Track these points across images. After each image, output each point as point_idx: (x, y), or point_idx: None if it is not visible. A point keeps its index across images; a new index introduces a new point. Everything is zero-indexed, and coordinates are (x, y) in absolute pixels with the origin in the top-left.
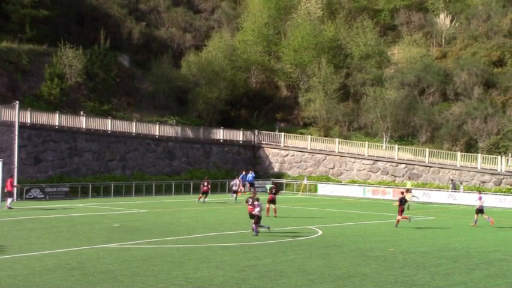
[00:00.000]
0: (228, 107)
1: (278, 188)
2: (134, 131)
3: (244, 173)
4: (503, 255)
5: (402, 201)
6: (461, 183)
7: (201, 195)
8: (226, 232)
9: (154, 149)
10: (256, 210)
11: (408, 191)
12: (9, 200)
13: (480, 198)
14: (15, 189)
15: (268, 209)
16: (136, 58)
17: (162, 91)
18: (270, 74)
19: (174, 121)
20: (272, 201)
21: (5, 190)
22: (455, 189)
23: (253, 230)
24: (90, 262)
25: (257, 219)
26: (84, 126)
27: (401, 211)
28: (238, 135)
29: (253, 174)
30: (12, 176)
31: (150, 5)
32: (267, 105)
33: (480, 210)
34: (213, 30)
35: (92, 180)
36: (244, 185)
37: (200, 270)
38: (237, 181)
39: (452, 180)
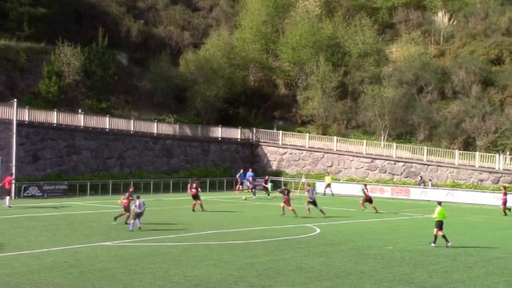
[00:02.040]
0: (226, 105)
1: (289, 189)
2: (132, 129)
3: (242, 171)
4: (501, 253)
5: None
6: (430, 180)
7: (194, 202)
8: (224, 230)
9: (153, 147)
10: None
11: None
12: (7, 198)
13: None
14: (12, 187)
15: (283, 208)
16: (134, 56)
17: (160, 89)
18: (268, 72)
19: (172, 119)
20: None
21: (5, 188)
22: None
23: None
24: (87, 260)
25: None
26: (82, 124)
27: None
28: (236, 133)
29: (252, 173)
30: (11, 174)
31: (148, 2)
32: (265, 103)
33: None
34: (211, 28)
35: (90, 178)
36: (242, 183)
37: (198, 268)
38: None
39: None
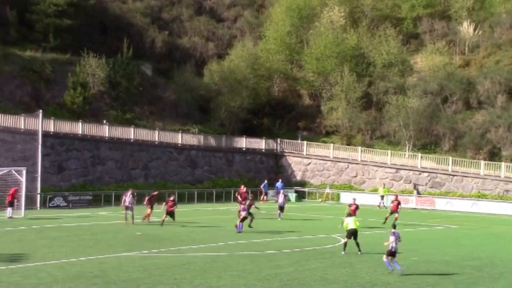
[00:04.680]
0: (251, 115)
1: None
2: (157, 140)
3: (266, 181)
4: None
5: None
6: (417, 186)
7: (164, 216)
8: (248, 240)
9: (177, 158)
10: None
11: (382, 197)
12: (9, 209)
13: None
14: (16, 199)
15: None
16: (159, 67)
17: (185, 100)
18: (293, 82)
19: (197, 130)
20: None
21: (6, 200)
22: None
23: None
24: (112, 270)
25: None
26: (107, 135)
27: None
28: (260, 144)
29: (282, 184)
30: (17, 186)
31: (173, 14)
32: (289, 114)
33: None
34: (236, 39)
35: (115, 188)
36: (266, 194)
37: (223, 279)
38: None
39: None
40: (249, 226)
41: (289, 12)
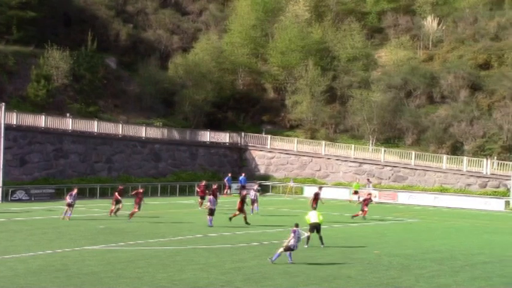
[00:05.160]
0: (215, 109)
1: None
2: (120, 133)
3: (230, 175)
4: (487, 257)
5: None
6: (371, 182)
7: (113, 207)
8: (211, 234)
9: (141, 151)
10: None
11: (356, 192)
12: None
13: None
14: None
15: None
16: (123, 60)
17: (149, 93)
18: (257, 76)
19: (161, 123)
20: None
21: None
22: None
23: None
24: (74, 264)
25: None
26: (70, 128)
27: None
28: (224, 138)
29: (245, 178)
30: None
31: (138, 6)
32: (253, 108)
33: None
34: (201, 32)
35: (78, 182)
36: (230, 187)
37: (185, 273)
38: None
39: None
40: (246, 223)
41: (254, 6)
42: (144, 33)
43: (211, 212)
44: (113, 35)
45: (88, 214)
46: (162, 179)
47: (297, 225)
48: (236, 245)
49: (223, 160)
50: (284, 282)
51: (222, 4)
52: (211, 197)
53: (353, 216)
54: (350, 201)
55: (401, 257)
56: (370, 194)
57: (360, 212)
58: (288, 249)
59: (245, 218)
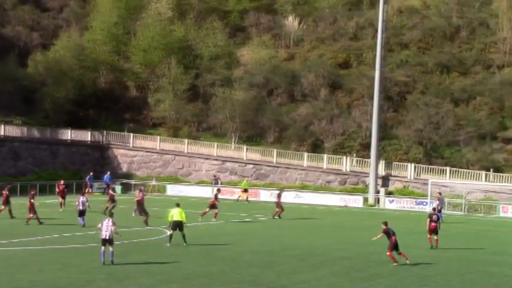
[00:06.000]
0: (76, 107)
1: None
2: None
3: (91, 174)
4: (346, 253)
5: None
6: (219, 179)
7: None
8: (73, 233)
9: None
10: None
11: (246, 190)
12: None
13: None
14: None
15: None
16: None
17: (7, 90)
18: (119, 74)
19: (20, 121)
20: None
21: None
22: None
23: None
24: None
25: None
26: None
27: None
28: (86, 136)
29: (110, 176)
30: None
31: None
32: (116, 106)
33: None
34: (61, 29)
35: None
36: (92, 186)
37: (45, 273)
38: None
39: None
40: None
41: (115, 3)
42: (2, 30)
43: (81, 213)
44: None
45: None
46: (22, 178)
47: (111, 215)
48: (99, 244)
49: (85, 159)
50: (146, 281)
51: (83, 1)
52: (82, 197)
53: (201, 215)
54: (238, 199)
55: (263, 254)
56: (218, 190)
57: (207, 209)
58: (104, 242)
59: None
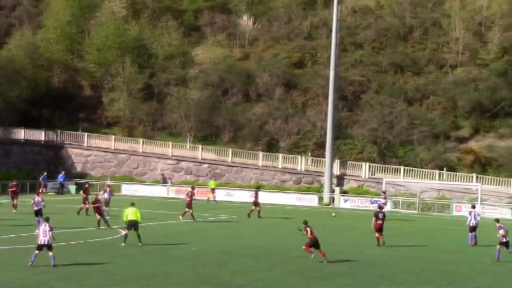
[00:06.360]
0: (29, 106)
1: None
2: None
3: (45, 173)
4: (301, 252)
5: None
6: (169, 178)
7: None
8: (26, 234)
9: None
10: None
11: (213, 191)
12: None
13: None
14: None
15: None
16: None
17: None
18: (73, 73)
19: None
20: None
21: None
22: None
23: None
24: None
25: None
26: None
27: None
28: (40, 135)
29: (64, 176)
30: None
31: None
32: (70, 105)
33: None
34: (14, 28)
35: None
36: (46, 186)
37: None
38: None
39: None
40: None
41: (69, 2)
42: None
43: (37, 213)
44: None
45: None
46: None
47: (47, 219)
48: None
49: (39, 158)
50: (101, 281)
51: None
52: (37, 197)
53: (181, 216)
54: (208, 200)
55: (219, 253)
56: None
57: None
58: (39, 248)
59: (106, 222)
